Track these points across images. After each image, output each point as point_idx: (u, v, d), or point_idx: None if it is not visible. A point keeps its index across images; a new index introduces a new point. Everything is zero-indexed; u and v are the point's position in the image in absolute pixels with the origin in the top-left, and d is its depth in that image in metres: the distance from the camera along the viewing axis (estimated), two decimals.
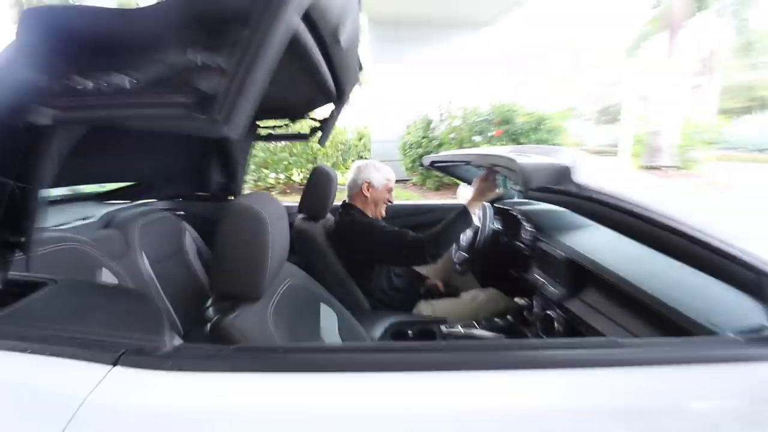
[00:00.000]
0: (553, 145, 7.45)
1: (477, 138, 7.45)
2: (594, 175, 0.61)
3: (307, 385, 0.52)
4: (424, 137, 8.41)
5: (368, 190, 1.58)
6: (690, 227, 0.59)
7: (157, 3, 0.47)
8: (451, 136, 7.80)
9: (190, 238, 1.63)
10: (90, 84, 0.47)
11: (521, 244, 1.51)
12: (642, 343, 0.65)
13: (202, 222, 1.69)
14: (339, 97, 0.94)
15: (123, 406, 0.49)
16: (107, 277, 1.13)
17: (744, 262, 0.57)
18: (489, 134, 7.34)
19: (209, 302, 0.79)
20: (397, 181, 9.21)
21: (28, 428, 0.48)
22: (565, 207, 0.78)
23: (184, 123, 0.56)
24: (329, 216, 1.64)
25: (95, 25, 0.47)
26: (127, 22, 0.47)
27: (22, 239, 0.61)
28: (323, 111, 1.29)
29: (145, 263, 1.32)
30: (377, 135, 10.01)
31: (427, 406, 0.50)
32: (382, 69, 9.83)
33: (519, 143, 7.26)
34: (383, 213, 1.62)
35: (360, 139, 10.92)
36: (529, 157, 0.78)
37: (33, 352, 0.51)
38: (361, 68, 0.97)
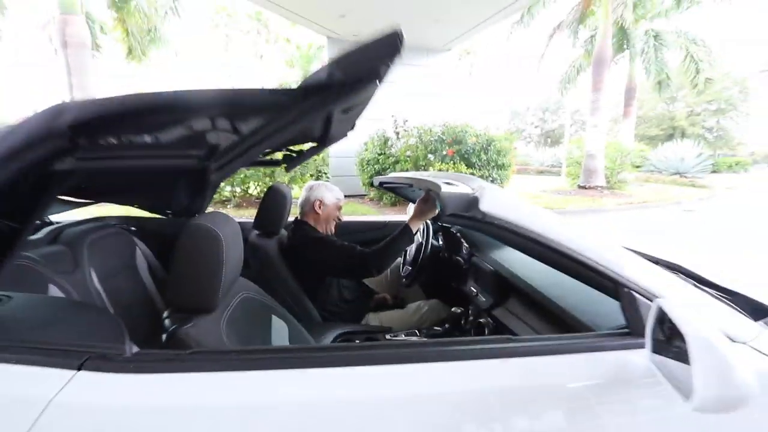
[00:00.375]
0: (500, 164, 7.98)
1: (431, 156, 7.79)
2: (495, 204, 0.77)
3: (256, 381, 0.61)
4: (381, 154, 8.65)
5: (320, 207, 1.68)
6: (566, 246, 0.76)
7: (198, 90, 0.54)
8: (408, 153, 8.10)
9: (141, 254, 1.62)
10: (114, 140, 0.53)
11: (459, 259, 1.68)
12: (529, 338, 0.81)
13: (154, 237, 1.69)
14: (322, 142, 0.96)
15: (87, 405, 0.55)
16: (54, 293, 1.12)
17: (605, 273, 0.74)
18: (442, 153, 7.70)
19: (166, 313, 0.84)
20: (355, 196, 9.32)
21: None
22: (473, 230, 0.92)
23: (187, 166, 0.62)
24: (282, 231, 1.72)
25: (139, 110, 0.53)
26: (168, 103, 0.54)
27: None
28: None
29: (94, 279, 1.32)
30: (335, 150, 10.14)
31: (356, 393, 0.61)
32: None
33: (470, 162, 7.70)
34: (333, 230, 1.73)
35: (319, 154, 11.00)
36: (454, 185, 0.93)
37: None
38: (353, 127, 1.01)
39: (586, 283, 0.82)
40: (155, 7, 9.49)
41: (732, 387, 0.49)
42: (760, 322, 0.79)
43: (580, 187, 11.04)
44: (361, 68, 0.62)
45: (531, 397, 0.63)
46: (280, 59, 23.29)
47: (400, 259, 1.99)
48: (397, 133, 8.72)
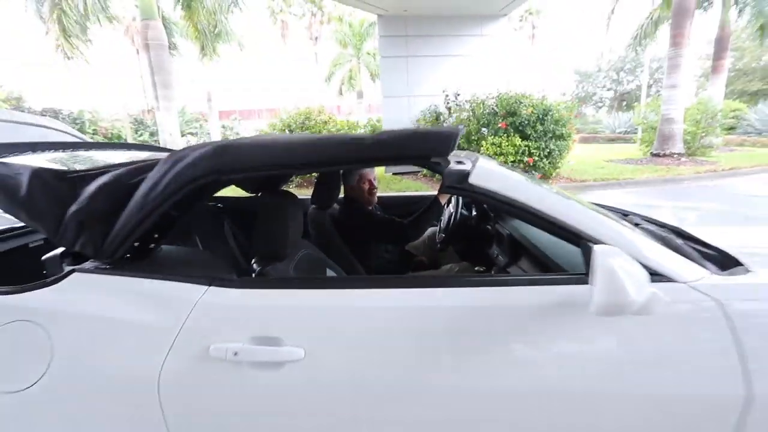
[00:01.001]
0: (558, 135, 7.62)
1: (484, 130, 7.71)
2: (483, 178, 1.00)
3: (313, 294, 0.94)
4: None
5: (360, 182, 1.99)
6: (542, 210, 0.97)
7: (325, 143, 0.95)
8: (460, 128, 8.08)
9: (227, 223, 2.09)
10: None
11: (487, 227, 1.90)
12: (507, 276, 1.05)
13: (234, 211, 2.15)
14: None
15: (216, 303, 0.91)
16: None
17: (571, 230, 0.95)
18: (496, 126, 7.56)
19: (254, 260, 1.22)
20: (408, 173, 9.48)
21: (165, 316, 0.91)
22: (478, 201, 1.13)
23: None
24: (335, 205, 2.06)
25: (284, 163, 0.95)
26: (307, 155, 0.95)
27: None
28: None
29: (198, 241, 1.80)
30: (388, 128, 10.39)
31: (381, 304, 0.92)
32: (391, 63, 10.14)
33: (525, 134, 7.48)
34: (374, 199, 2.03)
35: (373, 132, 11.35)
36: (463, 163, 1.16)
37: (163, 279, 0.95)
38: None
39: (563, 239, 1.03)
40: (219, 3, 10.22)
41: (622, 299, 0.70)
42: (726, 272, 0.95)
43: (653, 155, 10.08)
44: (411, 151, 1.00)
45: (499, 312, 0.89)
46: (334, 40, 23.69)
47: (435, 228, 2.25)
48: (449, 108, 8.70)
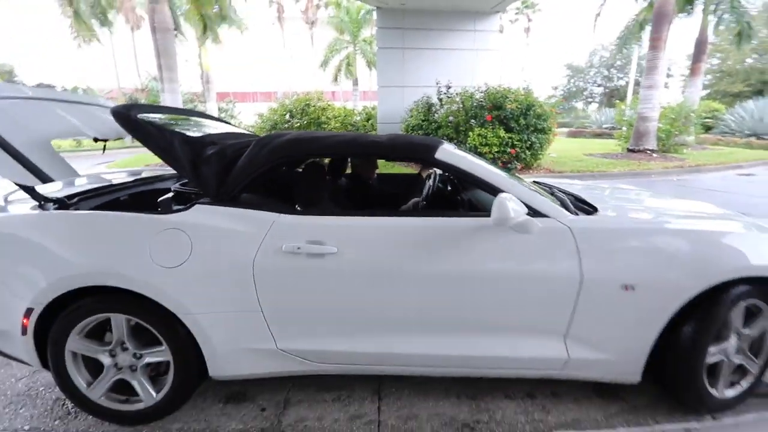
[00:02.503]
0: (540, 128, 8.26)
1: (472, 122, 8.31)
2: (445, 155, 1.61)
3: (340, 219, 1.56)
4: (424, 120, 9.30)
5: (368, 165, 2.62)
6: (482, 178, 1.59)
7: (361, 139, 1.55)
8: (450, 119, 8.68)
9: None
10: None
11: (457, 196, 2.52)
12: (457, 213, 1.69)
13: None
14: None
15: (287, 224, 1.51)
16: None
17: (492, 185, 1.58)
18: (482, 119, 8.16)
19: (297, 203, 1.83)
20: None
21: (256, 229, 1.53)
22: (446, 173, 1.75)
23: None
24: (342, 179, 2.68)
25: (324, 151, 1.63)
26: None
27: None
28: None
29: None
30: (382, 116, 10.90)
31: (377, 224, 1.54)
32: (387, 54, 10.61)
33: (509, 127, 8.11)
34: (374, 176, 2.65)
35: (368, 119, 11.84)
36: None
37: (253, 209, 1.55)
38: None
39: (490, 193, 1.64)
40: None
41: (506, 216, 1.34)
42: (582, 213, 1.59)
43: (629, 150, 10.82)
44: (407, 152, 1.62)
45: (449, 230, 1.52)
46: (330, 25, 23.75)
47: (418, 199, 2.89)
48: (440, 100, 9.26)
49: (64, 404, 1.69)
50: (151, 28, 9.52)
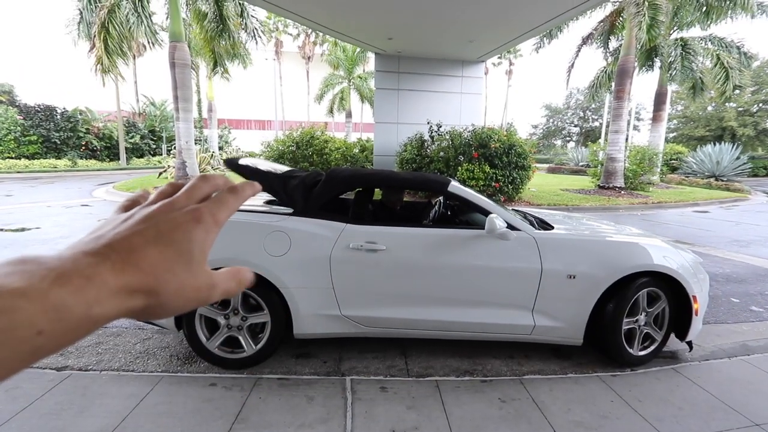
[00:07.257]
0: (521, 165, 9.34)
1: (461, 158, 9.33)
2: (456, 189, 2.43)
3: (387, 228, 2.34)
4: (417, 154, 10.28)
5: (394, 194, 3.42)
6: (478, 204, 2.42)
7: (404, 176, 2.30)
8: (440, 154, 9.68)
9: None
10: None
11: (458, 219, 3.34)
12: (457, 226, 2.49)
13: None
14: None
15: (353, 231, 2.26)
16: None
17: (484, 209, 2.40)
18: (470, 155, 9.18)
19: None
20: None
21: (331, 232, 2.28)
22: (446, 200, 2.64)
23: None
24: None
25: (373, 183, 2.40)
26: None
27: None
28: None
29: None
30: (378, 149, 11.90)
31: (409, 233, 2.33)
32: (384, 94, 11.76)
33: (493, 163, 9.13)
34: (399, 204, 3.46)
35: (362, 151, 12.80)
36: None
37: (327, 220, 2.31)
38: None
39: (482, 215, 2.46)
40: (239, 30, 11.59)
41: (494, 228, 2.14)
42: (541, 229, 2.42)
43: (600, 187, 12.03)
44: (428, 186, 2.44)
45: (456, 238, 2.31)
46: (326, 62, 25.26)
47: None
48: (432, 137, 10.31)
49: (177, 359, 2.35)
50: (170, 64, 10.39)
